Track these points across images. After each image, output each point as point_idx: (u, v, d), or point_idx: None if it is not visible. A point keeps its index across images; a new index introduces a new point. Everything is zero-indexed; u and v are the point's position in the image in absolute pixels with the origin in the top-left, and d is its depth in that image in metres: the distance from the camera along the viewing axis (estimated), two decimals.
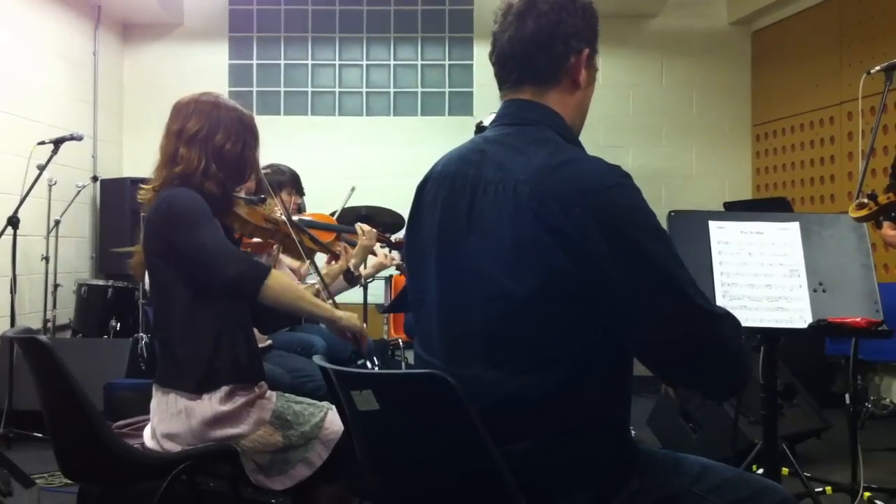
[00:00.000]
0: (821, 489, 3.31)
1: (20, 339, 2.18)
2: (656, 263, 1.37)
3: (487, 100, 6.33)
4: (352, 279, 3.08)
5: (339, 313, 2.37)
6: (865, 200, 2.22)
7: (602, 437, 1.44)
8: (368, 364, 3.81)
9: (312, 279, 2.83)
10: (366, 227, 3.40)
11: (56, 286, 5.18)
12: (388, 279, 5.39)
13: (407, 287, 1.69)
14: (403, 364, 5.24)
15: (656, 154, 6.78)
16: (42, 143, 4.59)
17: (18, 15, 5.33)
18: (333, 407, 2.24)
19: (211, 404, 2.19)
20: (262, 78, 6.79)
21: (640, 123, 6.79)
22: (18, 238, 4.39)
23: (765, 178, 6.64)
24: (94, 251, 6.23)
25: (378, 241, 3.57)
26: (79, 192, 5.33)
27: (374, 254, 3.77)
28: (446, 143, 1.98)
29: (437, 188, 1.57)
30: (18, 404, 4.14)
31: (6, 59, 5.16)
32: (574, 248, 1.35)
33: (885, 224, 2.37)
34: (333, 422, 2.28)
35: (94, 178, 6.09)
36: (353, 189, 4.50)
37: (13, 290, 4.45)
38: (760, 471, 2.67)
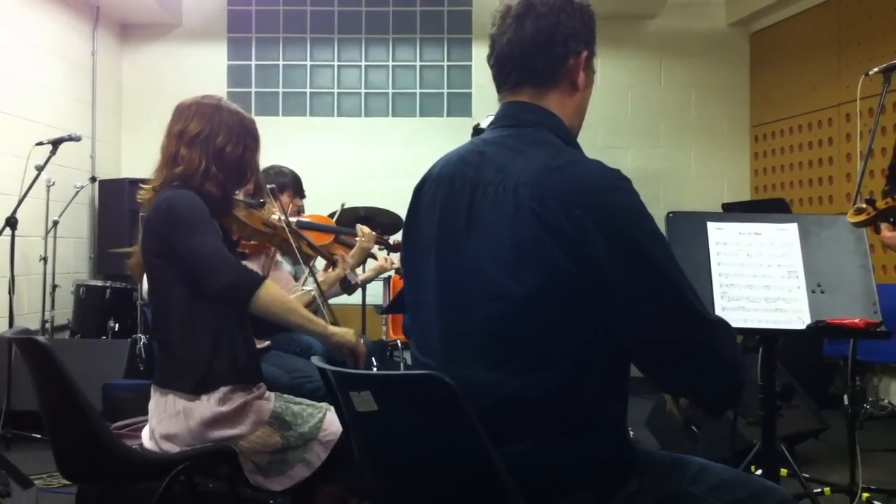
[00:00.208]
0: (819, 490, 3.32)
1: (18, 340, 2.18)
2: (655, 264, 1.38)
3: (486, 101, 6.33)
4: (348, 287, 3.08)
5: (332, 329, 2.35)
6: (864, 206, 2.22)
7: (601, 437, 1.45)
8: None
9: (309, 286, 2.83)
10: (365, 228, 3.40)
11: (54, 287, 5.18)
12: (387, 280, 5.39)
13: (403, 288, 1.69)
14: (402, 365, 5.24)
15: (655, 155, 6.79)
16: (40, 143, 4.59)
17: (17, 15, 5.33)
18: (332, 408, 2.24)
19: (209, 405, 2.18)
20: (260, 78, 6.79)
21: (639, 124, 6.79)
22: (17, 238, 4.39)
23: (763, 180, 6.65)
24: (93, 252, 6.22)
25: (377, 243, 3.57)
26: (77, 192, 5.32)
27: (374, 257, 3.77)
28: (445, 143, 1.99)
29: (435, 189, 1.57)
30: (17, 405, 4.14)
31: (4, 59, 5.16)
32: (574, 248, 1.35)
33: (884, 226, 2.38)
34: (332, 423, 2.28)
35: (93, 179, 6.09)
36: (342, 205, 4.50)
37: (11, 291, 4.44)
38: (759, 472, 2.67)
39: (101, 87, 6.34)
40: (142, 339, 4.68)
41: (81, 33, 6.14)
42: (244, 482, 2.25)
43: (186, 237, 2.18)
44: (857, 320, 2.16)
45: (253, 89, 6.77)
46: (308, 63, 6.79)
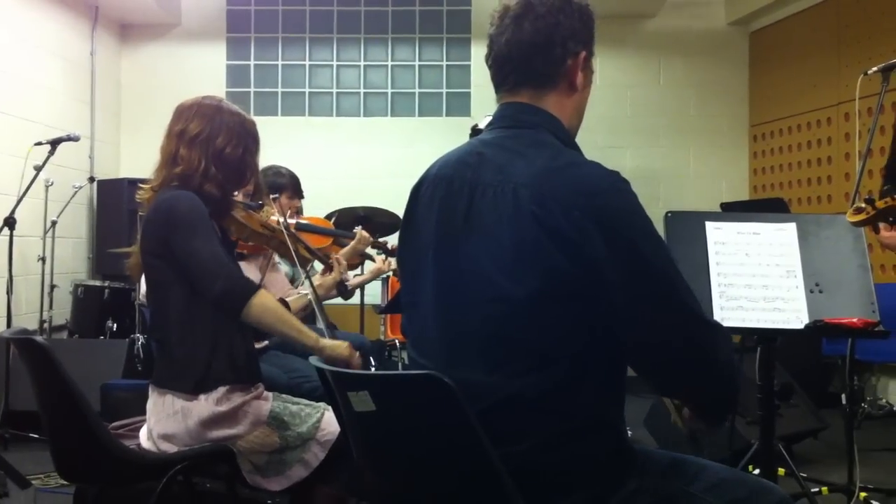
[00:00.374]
0: (817, 489, 3.31)
1: (17, 340, 2.18)
2: (654, 266, 1.38)
3: (485, 100, 6.33)
4: (345, 291, 3.09)
5: (325, 342, 2.32)
6: (863, 205, 2.22)
7: (601, 436, 1.45)
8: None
9: (305, 289, 2.83)
10: (364, 232, 3.40)
11: (53, 287, 5.17)
12: (385, 280, 5.39)
13: (400, 289, 1.69)
14: (400, 365, 5.24)
15: (654, 154, 6.79)
16: (39, 143, 4.59)
17: (16, 15, 5.32)
18: (330, 408, 2.24)
19: (208, 405, 2.18)
20: (259, 78, 6.78)
21: (638, 124, 6.79)
22: (15, 239, 4.38)
23: (762, 179, 6.65)
24: (91, 252, 6.22)
25: (375, 247, 3.59)
26: (76, 192, 5.32)
27: (372, 259, 3.78)
28: (444, 143, 1.98)
29: (433, 190, 1.57)
30: (15, 405, 4.14)
31: (3, 59, 5.16)
32: (573, 250, 1.35)
33: (882, 226, 2.37)
34: (330, 422, 2.28)
35: (91, 179, 6.09)
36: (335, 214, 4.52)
37: (10, 291, 4.44)
38: (757, 471, 2.67)
39: (100, 87, 6.34)
40: (140, 339, 4.68)
41: (80, 33, 6.14)
42: (242, 482, 2.25)
43: (185, 239, 2.18)
44: (855, 320, 2.16)
45: (252, 89, 6.77)
46: (307, 63, 6.79)
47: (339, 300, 3.33)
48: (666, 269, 1.39)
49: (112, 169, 6.51)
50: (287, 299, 2.69)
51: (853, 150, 5.40)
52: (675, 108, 6.80)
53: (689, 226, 2.33)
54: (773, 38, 6.50)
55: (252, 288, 2.21)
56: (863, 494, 3.24)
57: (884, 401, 5.17)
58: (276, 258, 3.33)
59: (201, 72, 6.65)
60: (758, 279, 2.25)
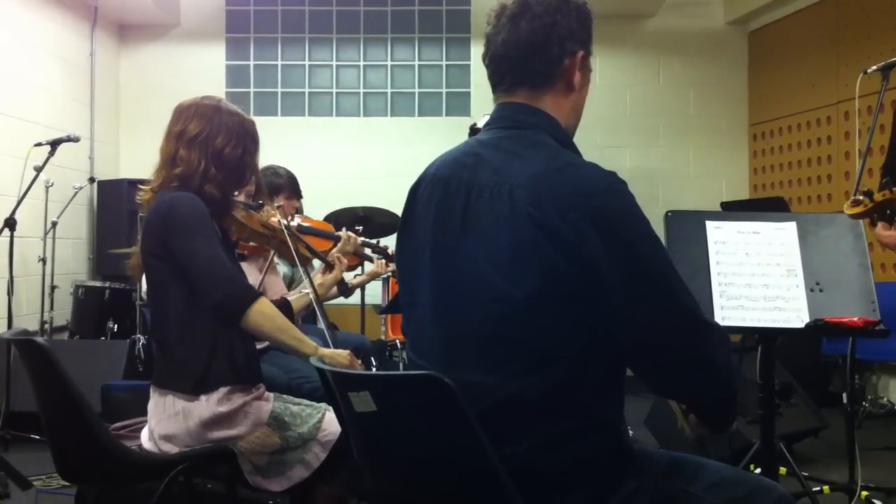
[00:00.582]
0: (818, 488, 3.32)
1: (17, 341, 2.18)
2: (652, 266, 1.38)
3: (484, 100, 6.28)
4: (346, 290, 3.09)
5: (323, 352, 2.31)
6: (861, 197, 2.22)
7: (600, 436, 1.45)
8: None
9: (305, 288, 2.83)
10: (351, 234, 3.37)
11: (53, 288, 5.17)
12: (386, 280, 5.39)
13: (398, 289, 1.69)
14: (401, 365, 5.24)
15: (653, 154, 6.79)
16: (39, 144, 4.60)
17: (15, 15, 5.32)
18: (331, 408, 2.24)
19: (208, 405, 2.18)
20: (259, 79, 6.78)
21: (637, 123, 6.79)
22: (15, 240, 4.39)
23: (762, 178, 6.65)
24: (92, 252, 6.22)
25: (374, 252, 3.61)
26: (76, 193, 5.32)
27: (371, 260, 3.78)
28: (443, 143, 1.98)
29: (430, 190, 1.57)
30: (15, 406, 4.14)
31: (3, 59, 5.15)
32: (571, 250, 1.35)
33: (879, 224, 2.37)
34: (331, 423, 2.28)
35: (91, 180, 6.09)
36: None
37: (10, 292, 4.44)
38: (758, 470, 2.67)
39: (100, 88, 6.33)
40: (141, 339, 4.68)
41: (79, 34, 6.14)
42: (243, 483, 2.25)
43: (184, 242, 2.17)
44: (855, 319, 2.16)
45: (251, 89, 6.76)
46: (306, 63, 6.79)
47: (339, 300, 3.34)
48: (663, 270, 1.39)
49: (112, 169, 6.51)
50: (288, 299, 2.69)
51: (853, 149, 5.40)
52: (674, 108, 6.80)
53: (689, 225, 2.33)
54: (772, 38, 6.50)
55: (250, 297, 2.19)
56: (864, 493, 3.24)
57: (884, 400, 5.17)
58: (276, 259, 3.33)
59: (200, 72, 6.64)
60: (758, 278, 2.25)
